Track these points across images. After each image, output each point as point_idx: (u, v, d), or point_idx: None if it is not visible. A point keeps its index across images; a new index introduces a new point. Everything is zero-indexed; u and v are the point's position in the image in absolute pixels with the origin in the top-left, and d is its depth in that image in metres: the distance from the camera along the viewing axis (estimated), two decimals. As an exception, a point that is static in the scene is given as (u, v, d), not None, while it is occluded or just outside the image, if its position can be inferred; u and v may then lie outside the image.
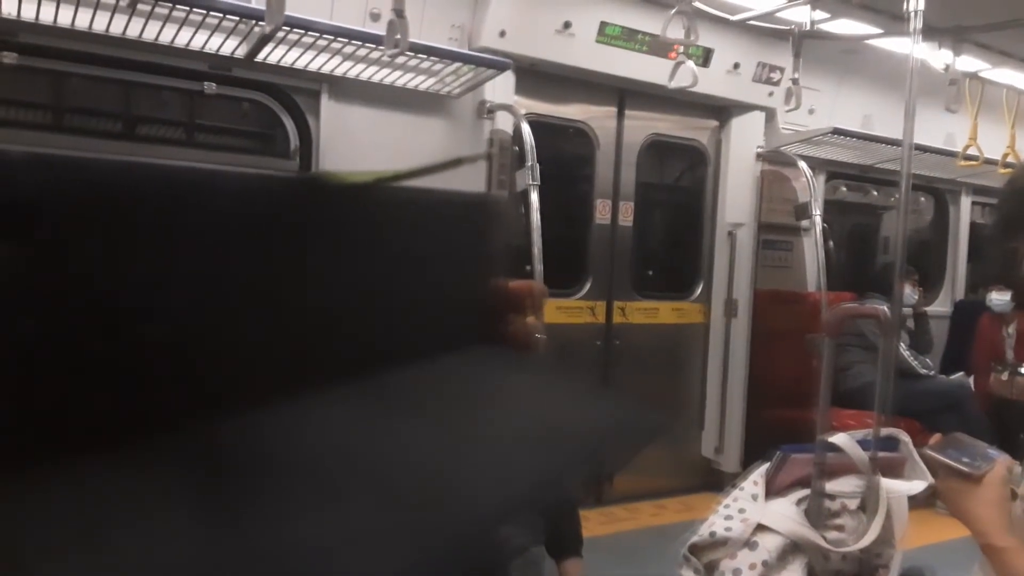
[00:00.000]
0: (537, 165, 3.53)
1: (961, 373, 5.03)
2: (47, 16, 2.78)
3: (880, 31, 3.99)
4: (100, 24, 2.84)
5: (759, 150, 4.71)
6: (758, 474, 1.93)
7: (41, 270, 0.33)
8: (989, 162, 4.68)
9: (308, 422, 0.43)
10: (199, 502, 0.36)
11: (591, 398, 0.60)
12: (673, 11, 3.12)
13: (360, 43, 3.09)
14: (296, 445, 0.42)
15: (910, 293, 4.65)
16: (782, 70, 4.36)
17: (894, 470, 1.95)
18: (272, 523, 0.36)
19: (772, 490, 1.90)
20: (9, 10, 2.75)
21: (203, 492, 0.37)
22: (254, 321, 0.42)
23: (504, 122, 3.78)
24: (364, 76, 3.34)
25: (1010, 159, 4.71)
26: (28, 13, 2.76)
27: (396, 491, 0.41)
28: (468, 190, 0.62)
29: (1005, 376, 4.70)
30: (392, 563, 0.37)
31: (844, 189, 5.65)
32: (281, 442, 0.42)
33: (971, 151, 4.60)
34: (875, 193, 5.86)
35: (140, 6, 2.75)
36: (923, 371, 4.67)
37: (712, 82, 4.15)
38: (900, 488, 1.89)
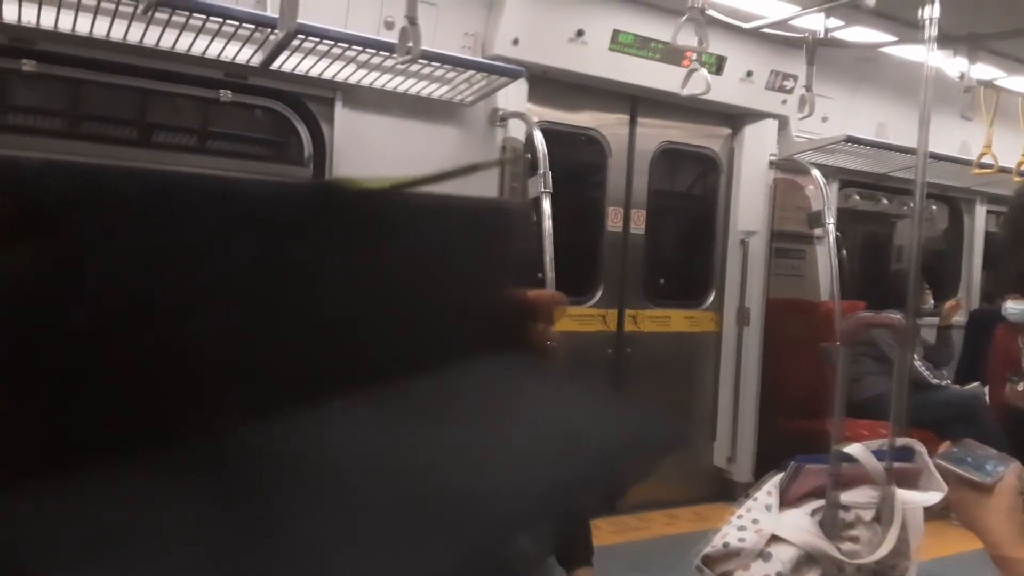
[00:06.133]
0: (549, 172, 3.52)
1: (976, 383, 4.98)
2: (66, 24, 2.82)
3: (894, 39, 3.98)
4: (118, 32, 2.87)
5: (772, 158, 4.70)
6: (772, 484, 1.91)
7: (57, 278, 0.33)
8: (1004, 170, 4.65)
9: (327, 428, 0.43)
10: (213, 507, 0.36)
11: (613, 406, 0.60)
12: (683, 18, 3.12)
13: (374, 51, 3.10)
14: (315, 450, 0.42)
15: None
16: (795, 78, 4.34)
17: (909, 481, 1.93)
18: (288, 528, 0.36)
19: (786, 501, 1.88)
20: (28, 18, 2.78)
21: (217, 497, 0.37)
22: (273, 326, 0.42)
23: (517, 130, 3.78)
24: (378, 84, 3.35)
25: (1024, 167, 4.67)
26: (47, 21, 2.80)
27: (415, 498, 0.41)
28: (485, 196, 0.62)
29: (1021, 387, 4.65)
30: (410, 571, 0.37)
31: (857, 197, 5.62)
32: (299, 447, 0.42)
33: (986, 159, 4.57)
34: (885, 201, 5.82)
35: (157, 15, 2.78)
36: (935, 381, 4.62)
37: (725, 90, 4.14)
38: (915, 499, 1.87)
